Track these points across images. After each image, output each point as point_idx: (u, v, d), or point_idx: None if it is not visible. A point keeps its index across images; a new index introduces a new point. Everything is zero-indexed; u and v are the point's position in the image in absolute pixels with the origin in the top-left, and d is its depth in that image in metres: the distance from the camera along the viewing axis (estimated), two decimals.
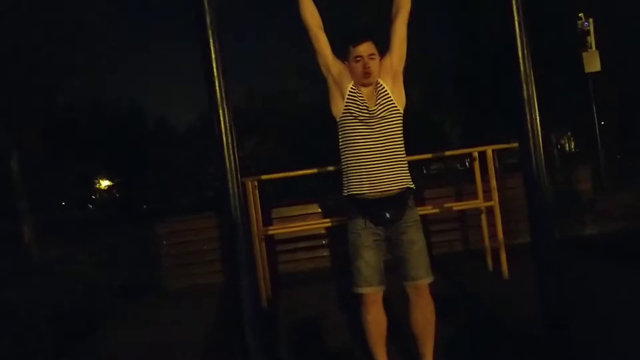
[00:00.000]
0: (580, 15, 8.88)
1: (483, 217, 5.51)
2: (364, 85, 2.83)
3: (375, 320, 2.87)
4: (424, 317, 2.86)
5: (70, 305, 6.32)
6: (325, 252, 6.92)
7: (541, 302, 2.53)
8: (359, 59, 2.79)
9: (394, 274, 2.87)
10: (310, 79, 22.64)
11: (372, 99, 2.82)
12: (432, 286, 2.86)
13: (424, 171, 36.24)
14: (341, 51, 2.92)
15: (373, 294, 2.82)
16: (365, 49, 2.80)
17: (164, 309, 5.88)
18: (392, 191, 2.76)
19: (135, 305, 6.13)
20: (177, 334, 4.72)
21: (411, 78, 3.56)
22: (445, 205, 5.86)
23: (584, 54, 8.83)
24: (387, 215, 2.76)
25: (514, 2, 2.50)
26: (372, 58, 2.80)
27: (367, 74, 2.79)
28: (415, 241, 2.79)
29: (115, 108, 33.97)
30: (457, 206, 6.11)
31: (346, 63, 2.88)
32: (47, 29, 10.07)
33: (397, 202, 2.78)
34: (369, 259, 2.78)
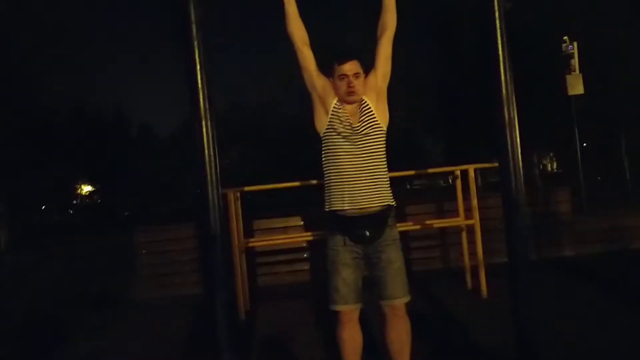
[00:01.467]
0: (564, 38, 9.01)
1: (464, 235, 5.52)
2: (348, 103, 2.84)
3: (351, 338, 2.85)
4: (398, 336, 2.84)
5: (42, 313, 6.23)
6: (306, 266, 6.89)
7: (514, 326, 2.54)
8: (343, 77, 2.80)
9: (372, 291, 2.85)
10: (296, 91, 22.73)
11: (356, 116, 2.82)
12: (409, 305, 2.84)
13: (407, 186, 36.48)
14: (327, 67, 2.92)
15: (349, 312, 2.80)
16: (351, 67, 2.80)
17: (138, 318, 5.78)
18: (372, 208, 2.75)
19: (109, 314, 6.01)
20: (151, 344, 4.65)
21: (397, 97, 3.58)
22: (426, 222, 5.88)
23: (568, 77, 8.95)
24: (367, 233, 2.75)
25: (497, 26, 2.53)
26: (357, 77, 2.81)
27: (351, 92, 2.80)
28: (393, 260, 2.78)
29: (98, 114, 33.72)
30: (438, 223, 6.12)
31: (331, 79, 2.89)
32: (31, 31, 9.99)
33: (377, 220, 2.77)
34: (346, 276, 2.77)
